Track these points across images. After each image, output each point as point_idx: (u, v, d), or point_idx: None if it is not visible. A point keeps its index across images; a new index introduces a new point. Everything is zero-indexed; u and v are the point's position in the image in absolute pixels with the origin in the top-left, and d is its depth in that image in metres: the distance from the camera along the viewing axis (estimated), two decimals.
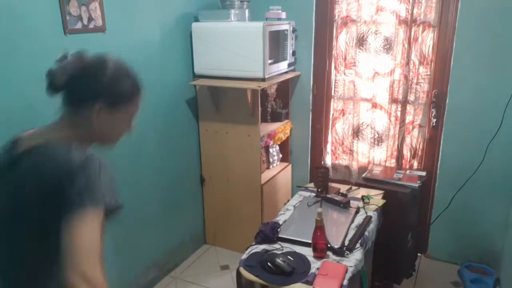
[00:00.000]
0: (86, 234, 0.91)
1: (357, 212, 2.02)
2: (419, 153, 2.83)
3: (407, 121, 2.78)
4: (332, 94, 2.96)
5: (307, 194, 2.24)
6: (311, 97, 2.97)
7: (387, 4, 2.64)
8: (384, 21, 2.68)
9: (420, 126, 2.76)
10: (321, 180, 2.22)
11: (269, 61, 2.51)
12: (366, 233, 1.84)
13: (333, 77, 2.92)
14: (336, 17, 2.81)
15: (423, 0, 2.54)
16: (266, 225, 1.79)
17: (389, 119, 2.82)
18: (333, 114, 3.01)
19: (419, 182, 2.44)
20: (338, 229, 1.84)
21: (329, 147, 3.08)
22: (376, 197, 2.21)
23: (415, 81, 2.68)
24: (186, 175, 2.88)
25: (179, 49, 2.64)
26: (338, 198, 2.08)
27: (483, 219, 2.66)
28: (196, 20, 2.68)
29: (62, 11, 1.84)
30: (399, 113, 2.77)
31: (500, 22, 2.36)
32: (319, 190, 2.20)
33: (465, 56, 2.48)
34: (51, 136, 1.07)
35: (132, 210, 2.41)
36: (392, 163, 2.88)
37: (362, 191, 2.27)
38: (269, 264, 1.56)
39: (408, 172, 2.62)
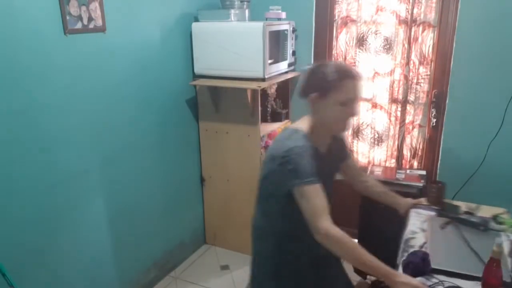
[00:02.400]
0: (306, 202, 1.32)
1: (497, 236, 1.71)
2: (419, 153, 2.83)
3: (407, 121, 2.78)
4: None
5: (424, 212, 1.94)
6: None
7: (387, 4, 2.64)
8: (384, 21, 2.68)
9: (420, 126, 2.76)
10: (436, 197, 1.97)
11: (269, 61, 2.51)
12: None
13: None
14: (336, 17, 2.81)
15: (423, 0, 2.54)
16: (415, 255, 1.57)
17: (389, 119, 2.82)
18: None
19: (422, 181, 2.44)
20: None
21: None
22: (504, 216, 1.87)
23: (415, 81, 2.68)
24: (186, 175, 2.88)
25: (179, 49, 2.64)
26: (474, 219, 1.80)
27: None
28: (196, 20, 2.68)
29: (62, 11, 1.84)
30: (399, 113, 2.77)
31: (500, 22, 2.35)
32: (439, 208, 1.93)
33: (465, 56, 2.48)
34: (300, 121, 1.50)
35: (132, 210, 2.42)
36: (392, 163, 2.88)
37: (485, 209, 1.95)
38: None
39: (408, 171, 2.62)
